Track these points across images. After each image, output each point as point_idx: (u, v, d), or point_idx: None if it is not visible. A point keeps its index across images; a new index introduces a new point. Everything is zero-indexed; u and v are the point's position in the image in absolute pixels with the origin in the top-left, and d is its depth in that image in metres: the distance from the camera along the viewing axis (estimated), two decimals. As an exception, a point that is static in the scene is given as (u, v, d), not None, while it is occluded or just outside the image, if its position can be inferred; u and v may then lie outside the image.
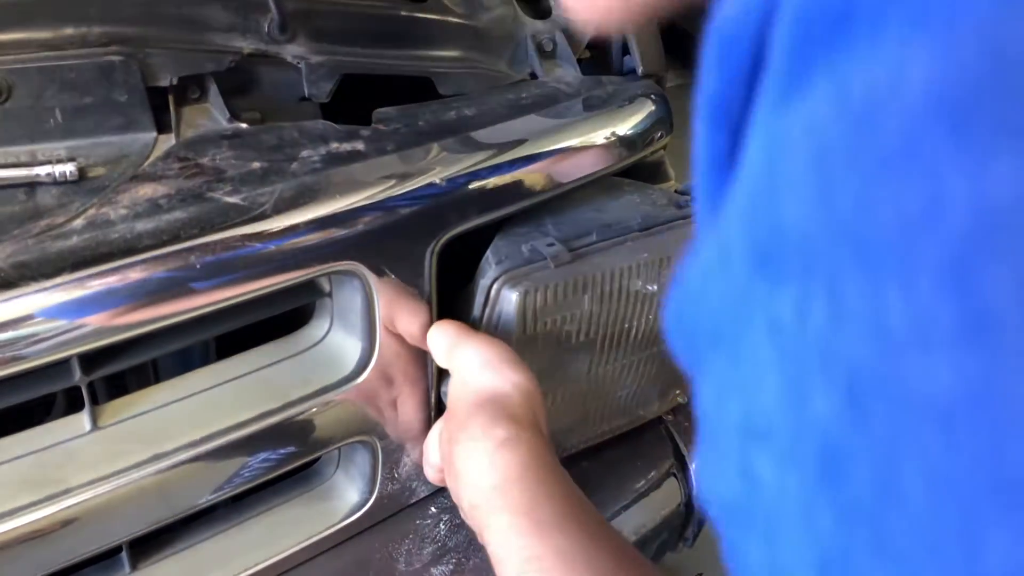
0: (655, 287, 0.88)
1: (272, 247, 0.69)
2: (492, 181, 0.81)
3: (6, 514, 0.65)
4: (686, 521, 1.08)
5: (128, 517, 0.72)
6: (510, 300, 0.78)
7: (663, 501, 1.04)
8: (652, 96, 0.96)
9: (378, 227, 0.74)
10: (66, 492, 0.67)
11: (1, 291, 0.60)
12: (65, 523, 0.67)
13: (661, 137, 0.98)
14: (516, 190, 0.83)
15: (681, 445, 1.08)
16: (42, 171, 0.68)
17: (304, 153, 0.76)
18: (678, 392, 1.03)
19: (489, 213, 0.81)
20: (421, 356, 0.83)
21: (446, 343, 0.77)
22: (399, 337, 0.79)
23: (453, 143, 0.81)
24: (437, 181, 0.77)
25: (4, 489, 0.66)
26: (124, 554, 0.78)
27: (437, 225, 0.78)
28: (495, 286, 0.78)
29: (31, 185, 0.69)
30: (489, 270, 0.80)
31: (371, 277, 0.75)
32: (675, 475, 1.05)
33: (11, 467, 0.66)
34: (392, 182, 0.75)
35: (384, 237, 0.75)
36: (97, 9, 0.76)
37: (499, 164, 0.81)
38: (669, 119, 0.98)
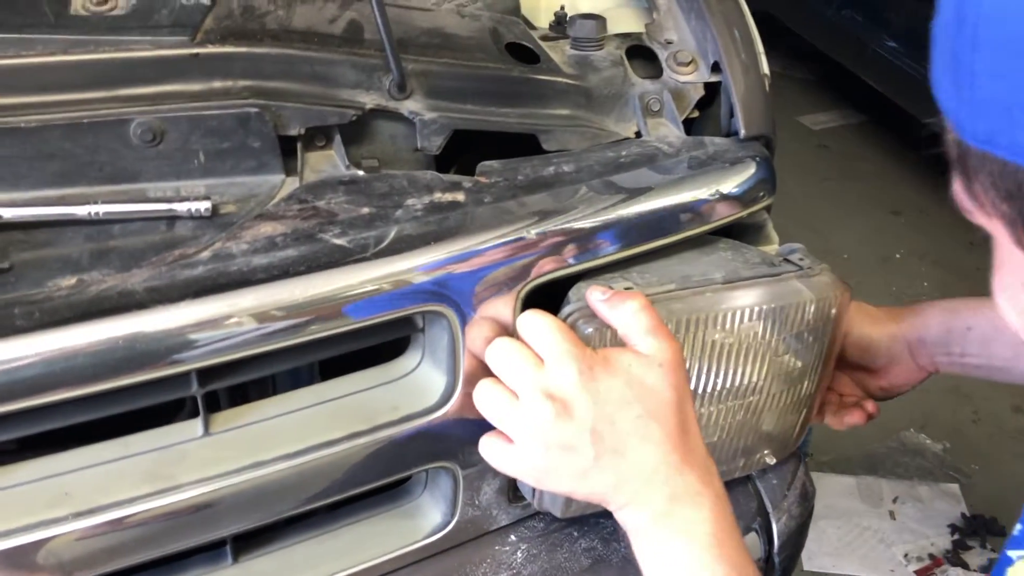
0: (733, 340, 0.90)
1: (368, 287, 0.77)
2: (581, 235, 0.86)
3: (126, 501, 0.75)
4: (766, 577, 1.09)
5: (229, 515, 0.81)
6: (582, 337, 0.82)
7: (741, 555, 1.05)
8: (756, 158, 0.99)
9: (467, 273, 0.81)
10: (176, 488, 0.77)
11: (135, 311, 0.71)
12: (174, 514, 0.77)
13: (763, 198, 1.00)
14: (605, 245, 0.88)
15: (768, 503, 1.09)
16: (181, 207, 0.79)
17: (409, 201, 0.84)
18: (766, 452, 1.05)
19: (576, 265, 0.86)
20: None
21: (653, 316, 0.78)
22: (483, 375, 0.85)
23: (548, 197, 0.87)
24: (527, 234, 0.83)
25: (126, 480, 0.76)
26: (228, 547, 0.88)
27: (524, 274, 0.84)
28: (569, 321, 0.83)
29: (172, 219, 0.80)
30: (567, 306, 0.85)
31: (456, 318, 0.81)
32: (757, 531, 1.06)
33: (133, 461, 0.77)
34: (484, 233, 0.82)
35: (472, 282, 0.81)
36: (242, 66, 0.86)
37: (590, 220, 0.87)
38: (772, 181, 1.00)
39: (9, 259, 0.74)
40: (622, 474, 0.76)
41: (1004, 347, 1.04)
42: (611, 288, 0.82)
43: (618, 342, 0.81)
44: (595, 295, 0.81)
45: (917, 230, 3.45)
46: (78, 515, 0.74)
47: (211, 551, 0.88)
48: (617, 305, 0.79)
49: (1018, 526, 0.78)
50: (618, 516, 0.79)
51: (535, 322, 0.78)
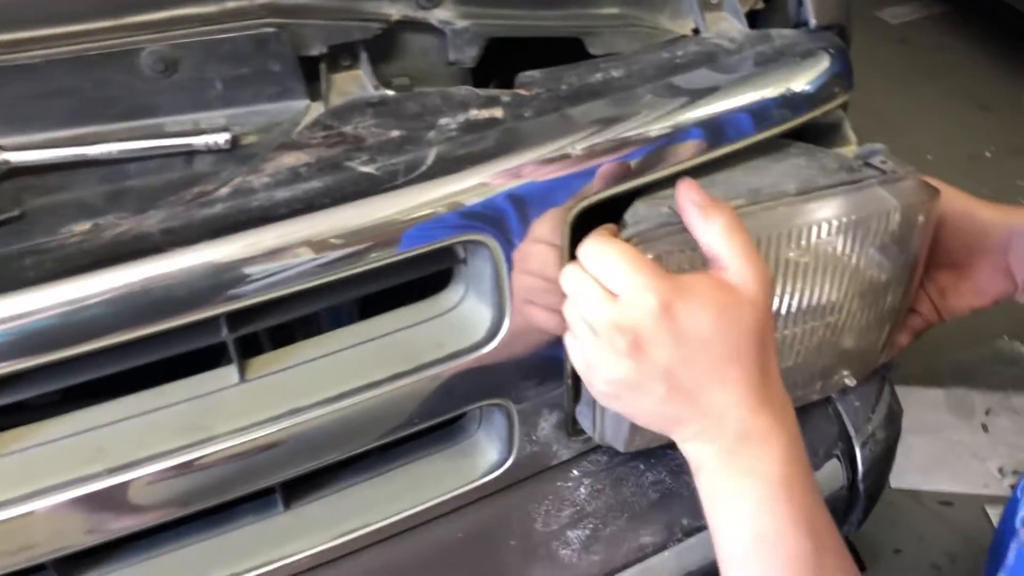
0: (810, 257, 0.82)
1: (399, 218, 0.71)
2: (633, 150, 0.78)
3: (160, 455, 0.72)
4: (850, 504, 1.02)
5: (272, 463, 0.77)
6: None
7: (823, 483, 0.98)
8: (828, 50, 0.89)
9: (508, 197, 0.74)
10: (212, 438, 0.73)
11: (152, 255, 0.66)
12: (214, 465, 0.74)
13: (838, 94, 0.90)
14: (660, 158, 0.79)
15: (850, 427, 1.01)
16: (199, 141, 0.74)
17: (443, 121, 0.77)
18: (846, 374, 0.97)
19: (628, 182, 0.78)
20: (554, 327, 0.81)
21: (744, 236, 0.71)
22: (533, 307, 0.79)
23: (595, 108, 0.79)
24: (572, 151, 0.75)
25: (161, 433, 0.73)
26: (278, 495, 0.84)
27: (571, 195, 0.76)
28: None
29: (190, 154, 0.74)
30: (624, 231, 0.77)
31: (499, 247, 0.75)
32: (838, 457, 0.99)
33: (168, 413, 0.73)
34: (524, 151, 0.75)
35: (514, 207, 0.74)
36: (256, -18, 0.79)
37: (642, 131, 0.78)
38: (848, 75, 0.90)
39: (22, 206, 0.70)
40: (692, 412, 0.70)
41: None
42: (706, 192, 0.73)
43: (686, 270, 0.74)
44: (690, 195, 0.72)
45: (1008, 125, 3.22)
46: (113, 471, 0.71)
47: (261, 499, 0.85)
48: (711, 220, 0.70)
49: None
50: (682, 448, 0.73)
51: (602, 251, 0.70)
